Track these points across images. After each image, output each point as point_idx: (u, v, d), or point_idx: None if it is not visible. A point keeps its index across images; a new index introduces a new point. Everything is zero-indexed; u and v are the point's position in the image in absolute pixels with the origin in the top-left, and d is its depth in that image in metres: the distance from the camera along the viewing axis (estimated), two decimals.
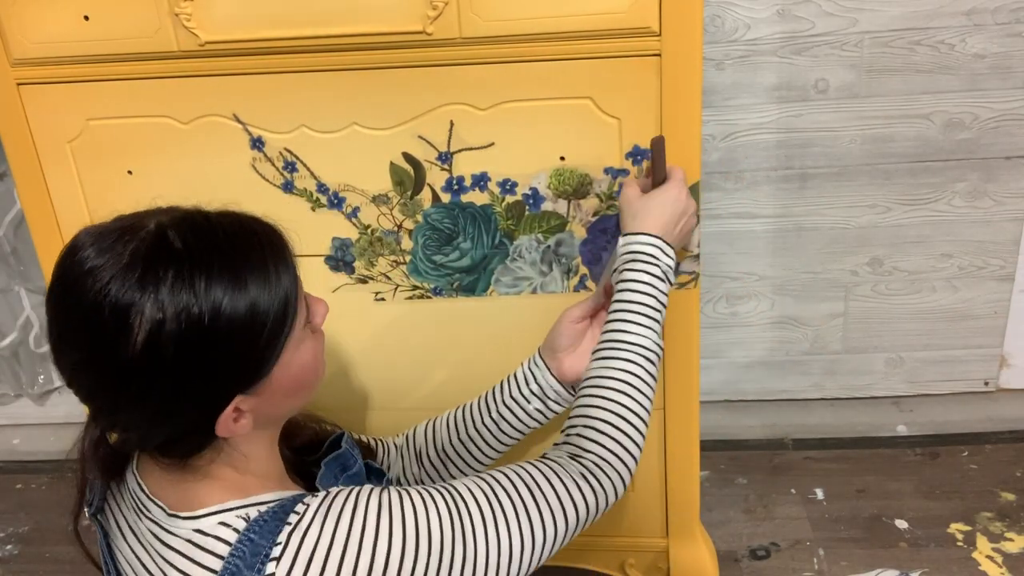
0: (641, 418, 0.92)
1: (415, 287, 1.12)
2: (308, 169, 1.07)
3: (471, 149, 1.04)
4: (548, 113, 1.01)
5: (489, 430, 1.05)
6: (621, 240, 0.98)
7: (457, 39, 0.98)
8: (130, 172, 1.10)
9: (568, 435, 0.92)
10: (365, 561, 0.72)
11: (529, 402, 1.04)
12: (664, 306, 0.96)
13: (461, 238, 1.09)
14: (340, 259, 1.11)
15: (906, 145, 1.59)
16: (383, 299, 1.13)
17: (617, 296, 0.96)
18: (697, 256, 1.07)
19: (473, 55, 0.99)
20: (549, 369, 1.04)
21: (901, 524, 1.55)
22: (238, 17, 0.99)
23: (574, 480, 0.87)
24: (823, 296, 1.72)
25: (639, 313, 0.94)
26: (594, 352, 0.96)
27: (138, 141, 1.08)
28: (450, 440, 1.07)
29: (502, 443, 1.06)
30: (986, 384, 1.79)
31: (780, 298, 1.73)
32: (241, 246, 0.74)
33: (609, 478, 0.89)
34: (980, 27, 1.49)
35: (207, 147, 1.07)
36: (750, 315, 1.75)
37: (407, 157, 1.05)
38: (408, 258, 1.11)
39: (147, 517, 0.77)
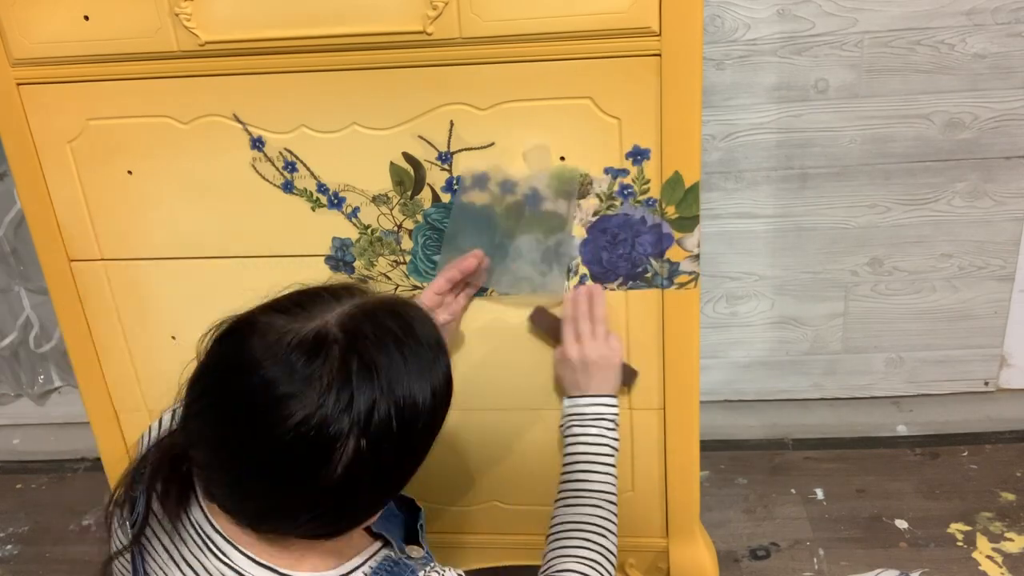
0: (613, 553, 1.01)
1: (415, 287, 1.12)
2: (308, 169, 1.07)
3: (471, 149, 1.04)
4: (548, 113, 1.01)
5: None
6: (567, 401, 1.10)
7: (457, 39, 0.98)
8: (130, 172, 1.10)
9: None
10: None
11: None
12: (615, 446, 1.07)
13: (461, 238, 1.09)
14: (340, 259, 1.11)
15: (906, 145, 1.59)
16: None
17: (570, 448, 1.07)
18: (697, 256, 1.07)
19: (473, 55, 0.99)
20: None
21: (901, 524, 1.55)
22: (238, 17, 0.99)
23: None
24: (823, 296, 1.72)
25: (596, 462, 1.05)
26: (560, 499, 1.04)
27: (138, 141, 1.08)
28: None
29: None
30: (986, 384, 1.78)
31: (780, 298, 1.73)
32: (431, 333, 0.75)
33: None
34: (980, 27, 1.49)
35: (207, 147, 1.07)
36: (750, 315, 1.75)
37: (407, 157, 1.05)
38: (408, 258, 1.11)
39: (221, 560, 0.74)
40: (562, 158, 1.03)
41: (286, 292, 0.75)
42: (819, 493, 1.64)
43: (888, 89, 1.54)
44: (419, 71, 1.00)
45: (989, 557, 1.47)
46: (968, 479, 1.64)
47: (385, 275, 1.12)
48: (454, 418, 1.20)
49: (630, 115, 1.00)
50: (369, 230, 1.10)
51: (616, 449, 1.07)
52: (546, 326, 1.10)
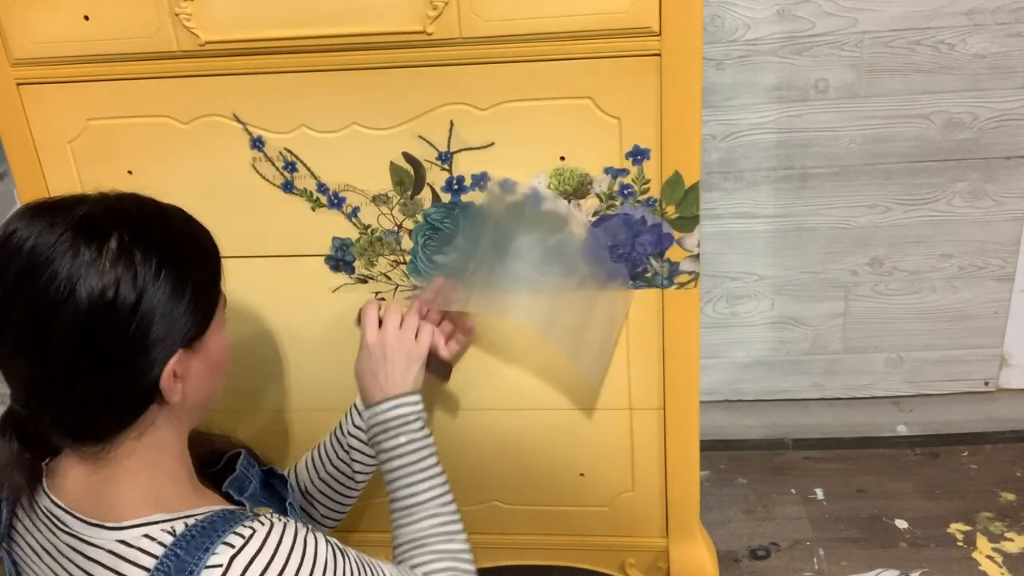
0: (466, 551, 0.98)
1: (415, 287, 1.12)
2: (308, 169, 1.07)
3: (471, 149, 1.04)
4: (548, 113, 1.01)
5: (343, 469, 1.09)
6: (366, 412, 1.02)
7: (457, 39, 0.98)
8: (130, 172, 1.10)
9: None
10: None
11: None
12: (429, 444, 1.00)
13: (461, 238, 1.09)
14: (340, 259, 1.11)
15: (906, 145, 1.59)
16: (383, 299, 1.13)
17: (387, 467, 1.00)
18: (697, 256, 1.07)
19: (473, 55, 0.99)
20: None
21: (901, 524, 1.55)
22: (238, 17, 0.99)
23: None
24: (823, 296, 1.72)
25: (420, 471, 0.99)
26: (395, 520, 1.00)
27: (138, 141, 1.08)
28: (313, 481, 1.10)
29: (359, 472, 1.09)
30: (986, 384, 1.79)
31: (780, 298, 1.73)
32: (193, 221, 0.82)
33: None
34: (980, 27, 1.49)
35: (207, 147, 1.07)
36: (750, 315, 1.75)
37: (407, 157, 1.05)
38: (408, 258, 1.11)
39: (64, 531, 0.77)
40: (562, 158, 1.03)
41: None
42: (819, 493, 1.64)
43: (888, 89, 1.55)
44: (419, 71, 1.00)
45: (989, 557, 1.47)
46: (968, 479, 1.64)
47: (385, 275, 1.12)
48: (454, 418, 1.20)
49: (630, 115, 1.00)
50: (369, 230, 1.10)
51: (430, 445, 1.00)
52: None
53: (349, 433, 1.08)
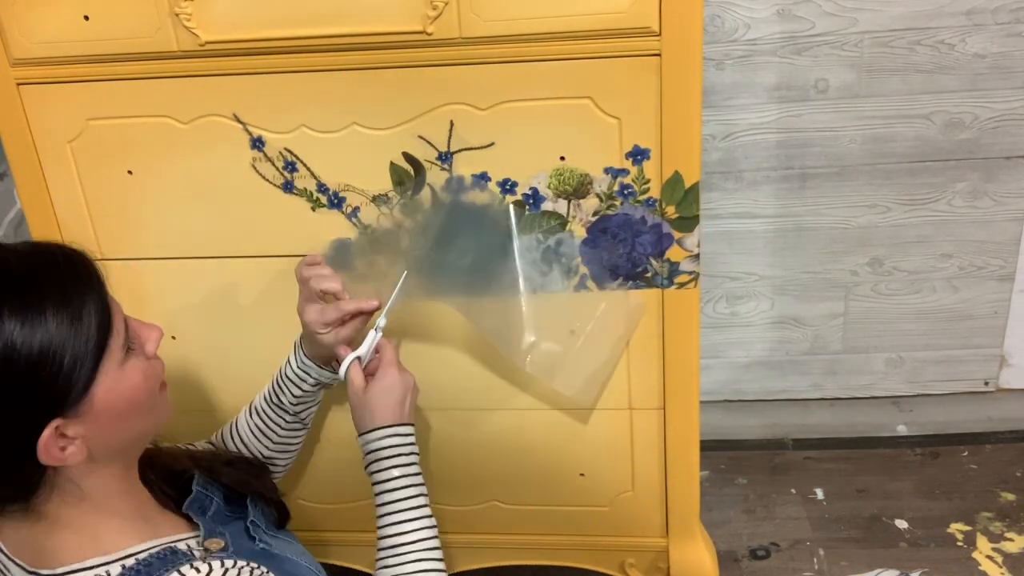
0: None
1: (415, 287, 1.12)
2: (308, 169, 1.07)
3: (471, 149, 1.04)
4: (548, 113, 1.01)
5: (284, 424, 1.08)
6: (360, 439, 0.99)
7: (457, 39, 0.98)
8: (130, 172, 1.10)
9: None
10: None
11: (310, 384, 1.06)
12: (420, 482, 0.98)
13: (461, 238, 1.08)
14: (340, 259, 1.11)
15: (906, 145, 1.59)
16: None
17: (379, 499, 0.97)
18: (697, 256, 1.07)
19: (473, 55, 0.99)
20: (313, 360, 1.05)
21: (901, 524, 1.55)
22: (238, 17, 0.99)
23: None
24: (823, 296, 1.72)
25: (405, 508, 0.96)
26: (380, 559, 0.97)
27: (138, 141, 1.08)
28: (266, 448, 1.09)
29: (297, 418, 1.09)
30: (986, 384, 1.79)
31: (780, 298, 1.73)
32: (38, 276, 0.73)
33: None
34: (980, 27, 1.49)
35: (207, 147, 1.07)
36: (750, 315, 1.75)
37: (407, 157, 1.05)
38: (408, 258, 1.11)
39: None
40: (562, 158, 1.03)
41: None
42: (819, 493, 1.64)
43: (888, 89, 1.55)
44: (419, 71, 1.00)
45: (989, 557, 1.47)
46: (968, 479, 1.64)
47: (385, 275, 1.12)
48: (454, 418, 1.20)
49: (630, 115, 1.00)
50: (369, 230, 1.10)
51: (419, 484, 0.98)
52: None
53: (291, 403, 1.06)
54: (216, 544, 0.82)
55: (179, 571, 0.73)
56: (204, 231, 1.12)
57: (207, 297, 1.14)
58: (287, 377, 1.06)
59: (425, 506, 0.98)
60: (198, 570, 0.74)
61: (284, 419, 1.07)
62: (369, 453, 0.98)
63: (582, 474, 1.22)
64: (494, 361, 1.15)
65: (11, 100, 1.07)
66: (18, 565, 0.76)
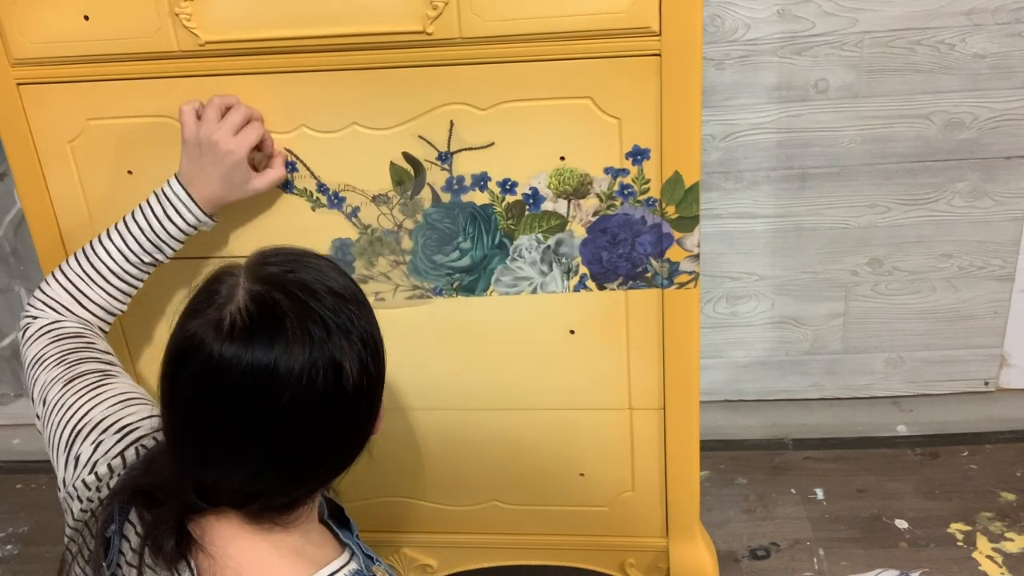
0: None
1: (415, 287, 1.12)
2: (308, 169, 1.07)
3: (471, 149, 1.04)
4: (548, 113, 1.01)
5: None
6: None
7: (457, 39, 0.98)
8: (130, 172, 1.10)
9: None
10: None
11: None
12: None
13: (461, 238, 1.09)
14: (340, 259, 1.11)
15: (906, 145, 1.59)
16: (383, 299, 1.13)
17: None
18: (697, 256, 1.07)
19: (473, 55, 0.99)
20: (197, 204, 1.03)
21: (901, 524, 1.55)
22: (238, 17, 0.99)
23: None
24: (823, 296, 1.72)
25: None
26: None
27: (138, 141, 1.08)
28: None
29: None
30: (986, 384, 1.79)
31: (780, 298, 1.73)
32: (351, 282, 0.80)
33: None
34: (980, 27, 1.49)
35: None
36: (750, 315, 1.75)
37: (407, 157, 1.05)
38: (408, 258, 1.11)
39: None
40: (562, 158, 1.03)
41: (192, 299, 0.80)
42: (819, 493, 1.64)
43: (888, 89, 1.55)
44: (419, 71, 1.00)
45: (989, 557, 1.47)
46: (968, 479, 1.64)
47: (385, 275, 1.12)
48: (454, 418, 1.20)
49: (630, 115, 1.00)
50: (369, 230, 1.10)
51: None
52: None
53: (166, 258, 1.05)
54: (381, 574, 0.84)
55: None
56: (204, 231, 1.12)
57: None
58: (174, 235, 1.02)
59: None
60: None
61: (146, 274, 1.05)
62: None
63: (582, 474, 1.22)
64: (494, 361, 1.15)
65: (11, 100, 1.07)
66: None
